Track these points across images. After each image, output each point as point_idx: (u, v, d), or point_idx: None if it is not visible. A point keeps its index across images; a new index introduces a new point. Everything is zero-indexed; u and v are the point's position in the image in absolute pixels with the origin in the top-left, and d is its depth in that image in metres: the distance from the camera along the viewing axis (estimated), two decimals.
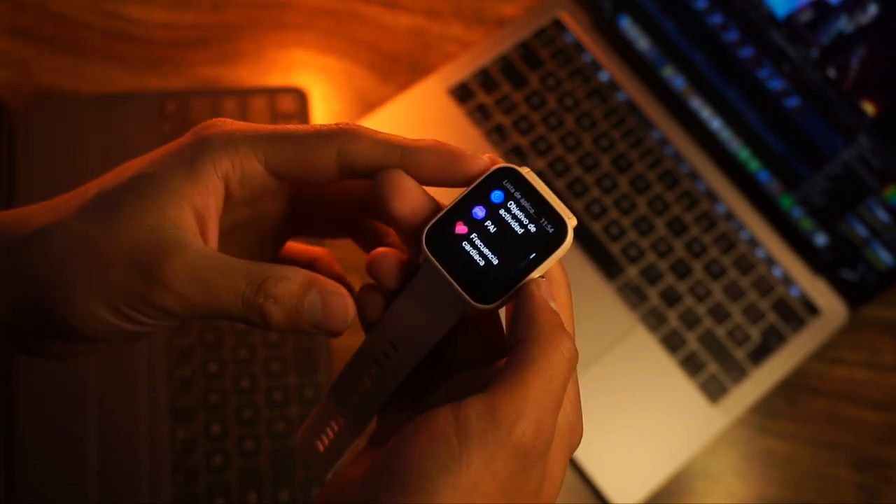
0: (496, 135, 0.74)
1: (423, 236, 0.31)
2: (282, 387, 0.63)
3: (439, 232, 0.31)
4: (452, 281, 0.30)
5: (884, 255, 0.69)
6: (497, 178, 0.31)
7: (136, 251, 0.29)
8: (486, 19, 0.78)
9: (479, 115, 0.74)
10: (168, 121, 0.69)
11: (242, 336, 0.64)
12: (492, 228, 0.31)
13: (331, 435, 0.35)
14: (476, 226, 0.31)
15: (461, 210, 0.31)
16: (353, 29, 0.77)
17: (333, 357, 0.65)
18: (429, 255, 0.30)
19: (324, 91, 0.75)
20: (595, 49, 0.77)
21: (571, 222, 0.31)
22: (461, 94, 0.74)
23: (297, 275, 0.31)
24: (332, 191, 0.35)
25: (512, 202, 0.31)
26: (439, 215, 0.31)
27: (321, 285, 0.31)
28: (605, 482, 0.65)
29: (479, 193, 0.31)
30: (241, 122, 0.31)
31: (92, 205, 0.30)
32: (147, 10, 0.75)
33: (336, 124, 0.31)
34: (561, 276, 0.32)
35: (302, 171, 0.31)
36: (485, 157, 0.31)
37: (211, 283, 0.30)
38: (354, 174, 0.31)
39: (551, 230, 0.31)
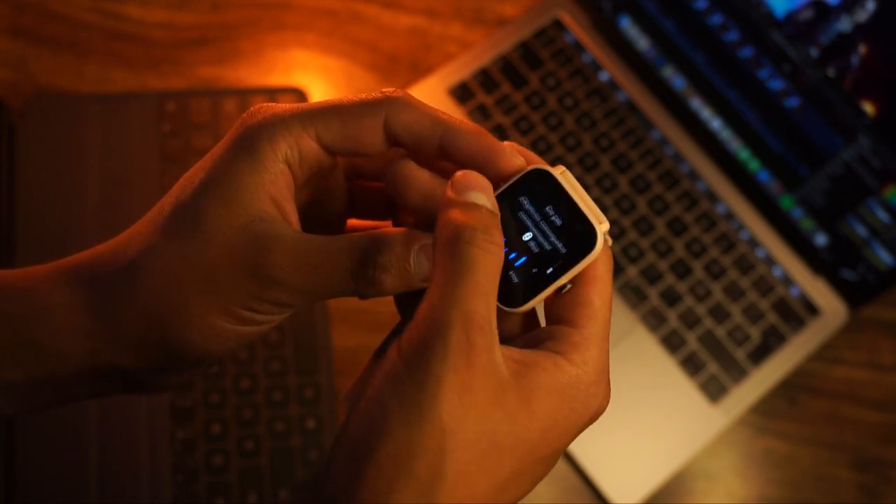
0: (496, 135, 0.73)
1: None
2: (282, 387, 0.63)
3: None
4: None
5: (884, 255, 0.69)
6: (531, 180, 0.31)
7: (235, 254, 0.29)
8: (486, 19, 0.78)
9: (480, 115, 0.74)
10: (168, 121, 0.69)
11: None
12: (522, 231, 0.31)
13: None
14: (506, 227, 0.31)
15: None
16: (353, 29, 0.77)
17: (333, 357, 0.65)
18: None
19: (324, 91, 0.75)
20: (595, 49, 0.77)
21: (602, 228, 0.30)
22: (461, 94, 0.74)
23: (397, 236, 0.31)
24: (380, 168, 0.35)
25: (544, 205, 0.31)
26: None
27: (421, 239, 0.31)
28: (605, 482, 0.65)
29: (511, 194, 0.31)
30: (283, 104, 0.31)
31: (174, 222, 0.30)
32: (147, 10, 0.75)
33: (382, 92, 0.31)
34: (604, 274, 0.31)
35: (351, 142, 0.31)
36: (520, 157, 0.31)
37: (317, 266, 0.30)
38: (399, 144, 0.31)
39: (581, 237, 0.30)
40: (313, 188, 0.34)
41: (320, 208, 0.35)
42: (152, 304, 0.30)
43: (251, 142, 0.30)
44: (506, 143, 0.32)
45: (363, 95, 0.31)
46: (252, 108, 0.31)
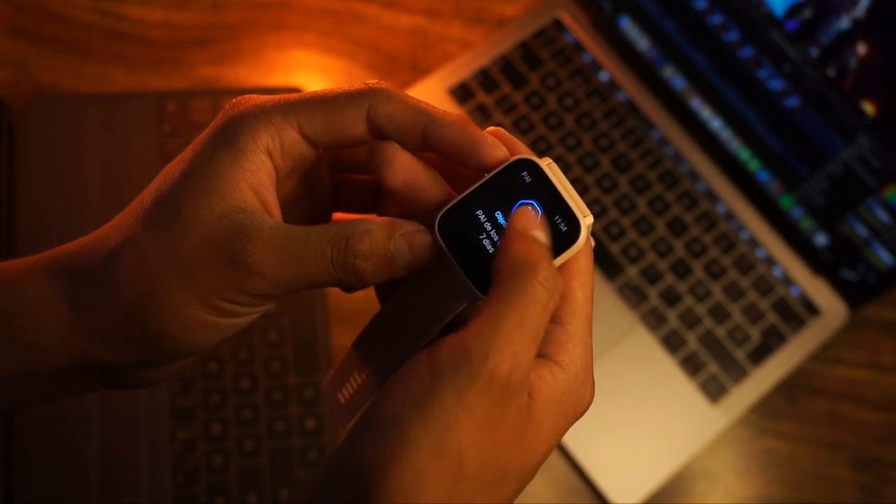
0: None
1: (437, 221, 0.30)
2: (282, 387, 0.63)
3: (453, 218, 0.31)
4: (460, 269, 0.30)
5: (884, 255, 0.69)
6: (516, 169, 0.31)
7: (214, 244, 0.29)
8: (486, 19, 0.78)
9: (480, 115, 0.74)
10: (168, 121, 0.69)
11: (242, 336, 0.64)
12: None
13: (353, 388, 0.35)
14: (490, 216, 0.30)
15: (477, 198, 0.31)
16: (353, 29, 0.77)
17: (333, 357, 0.65)
18: (440, 240, 0.30)
19: None
20: (595, 49, 0.77)
21: (586, 220, 0.30)
22: (461, 94, 0.74)
23: (377, 224, 0.30)
24: (365, 160, 0.35)
25: (528, 195, 0.31)
26: (454, 201, 0.31)
27: (402, 227, 0.31)
28: (605, 482, 0.65)
29: (496, 183, 0.31)
30: (266, 95, 0.31)
31: (154, 213, 0.30)
32: (147, 10, 0.75)
33: (366, 83, 0.31)
34: (586, 267, 0.31)
35: (334, 134, 0.31)
36: (503, 149, 0.31)
37: (296, 256, 0.29)
38: (383, 136, 0.31)
39: (564, 228, 0.30)
40: (297, 180, 0.33)
41: (305, 201, 0.34)
42: (131, 295, 0.30)
43: (232, 132, 0.30)
44: (489, 128, 0.31)
45: (346, 87, 0.31)
46: (234, 100, 0.31)
